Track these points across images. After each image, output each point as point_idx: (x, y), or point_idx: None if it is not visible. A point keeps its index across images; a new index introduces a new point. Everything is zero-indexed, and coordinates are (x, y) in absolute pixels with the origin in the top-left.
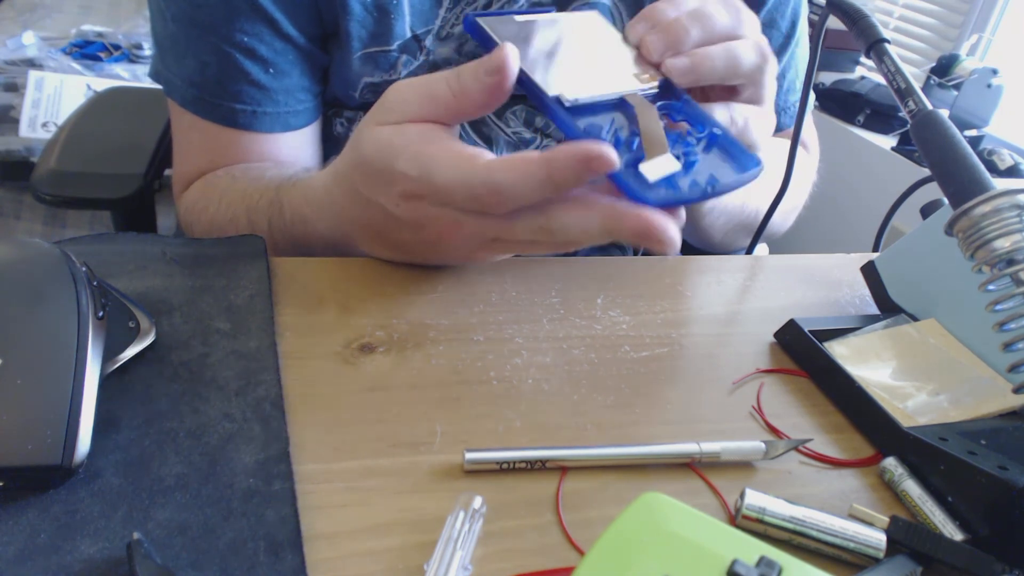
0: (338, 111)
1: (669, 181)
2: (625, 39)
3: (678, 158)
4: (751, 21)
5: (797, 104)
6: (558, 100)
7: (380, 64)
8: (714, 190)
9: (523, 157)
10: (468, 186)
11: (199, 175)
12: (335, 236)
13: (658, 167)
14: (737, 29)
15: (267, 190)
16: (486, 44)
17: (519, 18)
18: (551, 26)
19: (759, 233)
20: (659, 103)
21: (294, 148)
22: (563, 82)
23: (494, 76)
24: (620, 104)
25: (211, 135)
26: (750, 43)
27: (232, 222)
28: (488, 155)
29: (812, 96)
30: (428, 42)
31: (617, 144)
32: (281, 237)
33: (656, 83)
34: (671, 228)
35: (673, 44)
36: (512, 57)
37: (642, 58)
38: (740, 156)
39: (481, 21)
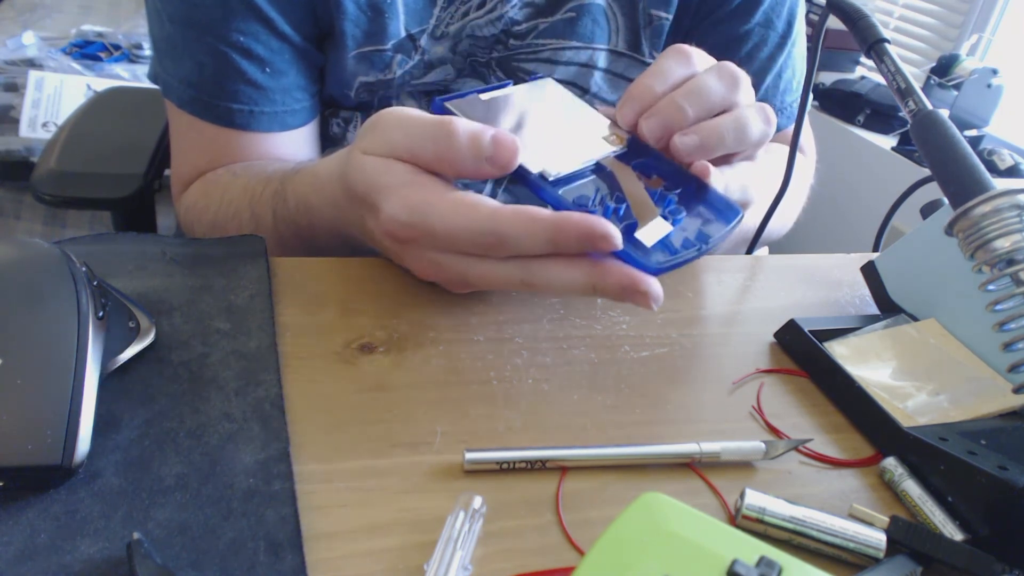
0: (335, 111)
1: (665, 244)
2: (590, 104)
3: (665, 218)
4: (748, 86)
5: (794, 104)
6: (543, 177)
7: (375, 63)
8: (707, 246)
9: (531, 214)
10: (472, 232)
11: (198, 176)
12: (338, 225)
13: (652, 232)
14: (733, 96)
15: (270, 182)
16: None
17: (483, 97)
18: (514, 101)
19: (758, 235)
20: (632, 162)
21: (292, 148)
22: (541, 157)
23: (497, 171)
24: (597, 168)
25: (209, 135)
26: (756, 112)
27: (235, 217)
28: (489, 201)
29: (809, 97)
30: (423, 41)
31: (606, 212)
32: (286, 228)
33: (625, 142)
34: (655, 284)
35: (671, 127)
36: (520, 156)
37: (606, 118)
38: (720, 205)
39: (450, 105)
